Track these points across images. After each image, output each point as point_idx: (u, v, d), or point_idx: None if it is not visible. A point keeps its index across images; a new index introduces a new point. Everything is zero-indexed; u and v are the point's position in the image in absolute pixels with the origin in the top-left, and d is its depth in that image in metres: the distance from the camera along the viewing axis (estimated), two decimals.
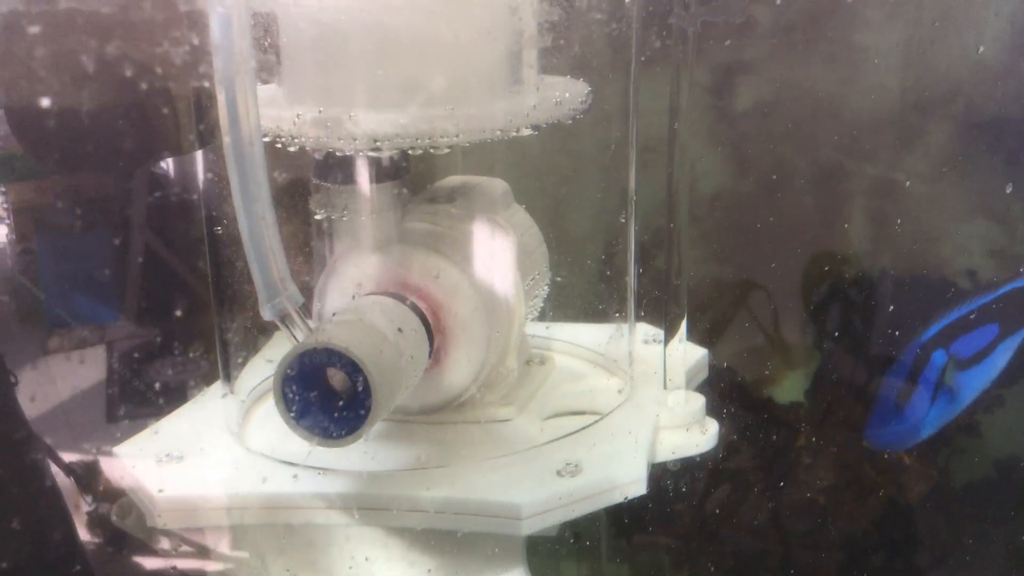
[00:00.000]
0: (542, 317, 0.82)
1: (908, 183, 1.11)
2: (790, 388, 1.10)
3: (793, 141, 1.10)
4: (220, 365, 0.74)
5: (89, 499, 1.58)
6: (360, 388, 0.60)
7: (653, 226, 0.81)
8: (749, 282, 1.13)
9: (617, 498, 0.65)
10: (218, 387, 0.75)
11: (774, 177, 1.11)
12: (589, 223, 0.86)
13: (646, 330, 0.84)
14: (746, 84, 1.09)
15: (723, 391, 1.05)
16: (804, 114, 1.10)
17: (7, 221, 1.31)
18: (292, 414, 0.60)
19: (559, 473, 0.64)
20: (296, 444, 0.63)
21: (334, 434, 0.61)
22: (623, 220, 0.78)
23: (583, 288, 0.85)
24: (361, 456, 0.67)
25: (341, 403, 0.61)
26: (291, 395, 0.60)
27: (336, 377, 0.61)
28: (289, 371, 0.60)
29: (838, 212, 1.14)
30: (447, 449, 0.69)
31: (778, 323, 1.14)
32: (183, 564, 0.86)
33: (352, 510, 0.63)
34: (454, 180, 0.77)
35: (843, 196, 1.13)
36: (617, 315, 0.81)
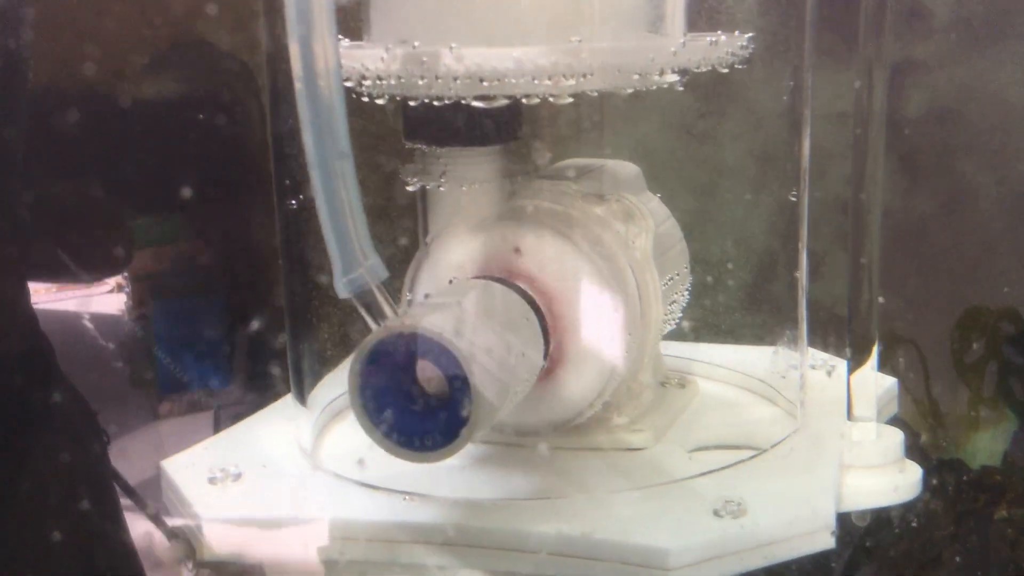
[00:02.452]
0: (681, 335, 0.67)
1: None
2: (983, 449, 0.91)
3: (976, 155, 0.93)
4: (291, 374, 0.62)
5: (190, 565, 1.52)
6: (457, 388, 0.46)
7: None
8: (923, 319, 0.95)
9: (796, 551, 0.48)
10: (287, 400, 0.63)
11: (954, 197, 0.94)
12: (741, 228, 0.71)
13: (813, 355, 0.68)
14: (917, 87, 0.93)
15: None
16: (990, 124, 0.93)
17: (126, 289, 1.34)
18: (370, 418, 0.47)
19: (716, 513, 0.49)
20: (377, 466, 0.50)
21: (422, 444, 0.47)
22: (792, 214, 0.63)
23: (732, 302, 0.70)
24: (457, 481, 0.53)
25: (432, 406, 0.47)
26: (369, 391, 0.47)
27: (427, 373, 0.47)
28: (368, 361, 0.47)
29: None
30: (566, 478, 0.54)
31: (960, 370, 0.95)
32: None
33: (444, 546, 0.49)
34: (576, 161, 0.64)
35: None
36: (780, 334, 0.65)
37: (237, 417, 1.04)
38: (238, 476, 0.54)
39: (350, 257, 0.48)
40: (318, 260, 0.52)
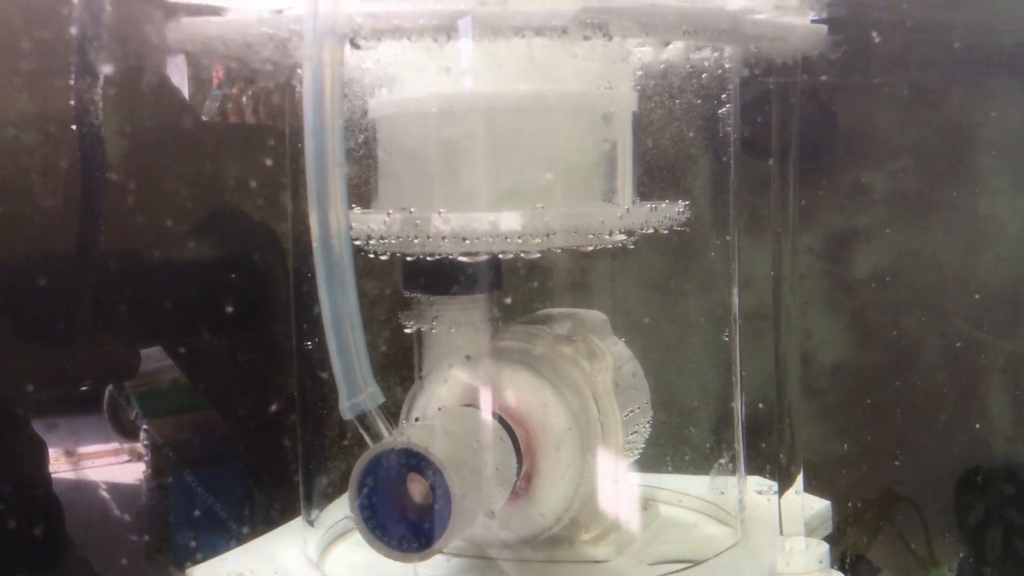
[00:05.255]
0: (643, 467, 0.76)
1: None
2: None
3: (918, 312, 1.04)
4: (302, 496, 0.70)
5: None
6: (439, 496, 0.55)
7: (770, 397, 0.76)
8: (879, 466, 1.03)
9: None
10: (298, 523, 0.71)
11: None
12: (692, 368, 0.81)
13: (759, 481, 0.77)
14: (863, 252, 1.05)
15: None
16: (927, 283, 1.04)
17: (146, 458, 1.35)
18: (365, 521, 0.55)
19: None
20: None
21: (409, 547, 0.55)
22: (728, 357, 0.73)
23: (686, 437, 0.79)
24: None
25: (418, 512, 0.56)
26: (364, 499, 0.55)
27: (415, 484, 0.56)
28: (364, 473, 0.56)
29: (975, 389, 1.05)
30: None
31: (922, 519, 1.03)
32: None
33: None
34: (551, 311, 0.74)
35: (980, 371, 1.04)
36: (724, 464, 0.74)
37: None
38: None
39: (354, 384, 0.58)
40: (330, 403, 0.61)
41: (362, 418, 0.59)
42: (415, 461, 0.55)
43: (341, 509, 0.72)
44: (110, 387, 1.15)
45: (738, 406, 0.71)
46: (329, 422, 0.70)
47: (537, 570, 0.64)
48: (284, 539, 0.70)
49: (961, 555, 1.02)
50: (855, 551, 0.97)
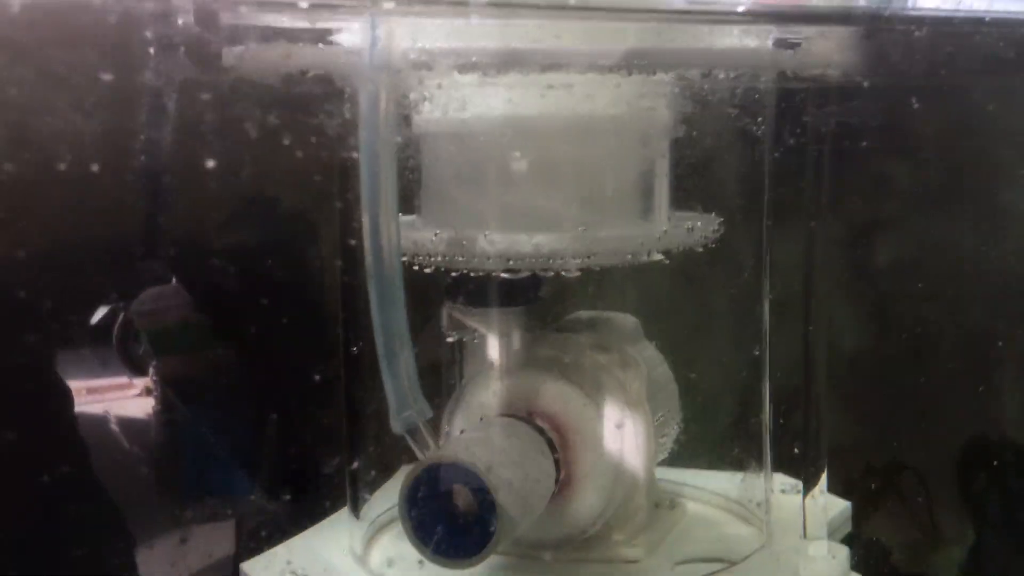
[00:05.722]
0: (672, 462, 0.79)
1: None
2: (944, 566, 1.01)
3: (937, 302, 1.06)
4: (348, 490, 0.74)
5: None
6: (485, 507, 0.58)
7: (792, 385, 0.79)
8: (896, 452, 1.07)
9: None
10: (343, 513, 0.74)
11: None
12: (721, 368, 0.84)
13: (783, 480, 0.80)
14: (885, 242, 1.07)
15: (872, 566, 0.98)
16: (947, 273, 1.06)
17: (155, 393, 1.37)
18: (414, 530, 0.59)
19: None
20: (419, 572, 0.61)
21: (456, 554, 0.59)
22: (757, 364, 0.76)
23: (714, 434, 0.82)
24: None
25: (465, 522, 0.59)
26: (414, 510, 0.59)
27: (462, 496, 0.60)
28: (414, 485, 0.59)
29: (989, 379, 1.07)
30: None
31: (930, 499, 1.06)
32: None
33: None
34: (584, 314, 0.77)
35: (993, 363, 1.07)
36: (751, 463, 0.77)
37: (259, 526, 1.09)
38: None
39: (403, 400, 0.61)
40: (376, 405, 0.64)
41: (410, 431, 0.62)
42: (463, 475, 0.59)
43: (385, 501, 0.76)
44: (119, 322, 1.16)
45: (766, 403, 0.73)
46: (375, 417, 0.73)
47: (570, 570, 0.68)
48: (332, 532, 0.74)
49: (970, 537, 1.05)
50: (866, 536, 1.00)
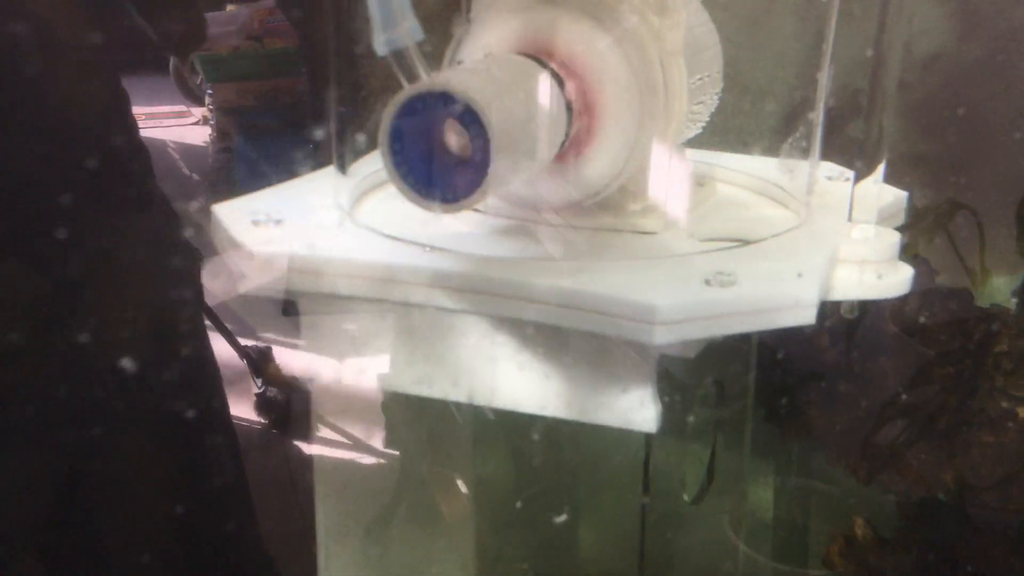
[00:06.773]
0: (705, 144, 0.70)
1: None
2: (995, 290, 0.93)
3: None
4: (334, 146, 0.66)
5: (259, 382, 1.62)
6: (477, 145, 0.50)
7: (852, 87, 0.67)
8: (959, 166, 0.96)
9: (778, 321, 0.52)
10: (329, 169, 0.67)
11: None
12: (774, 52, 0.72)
13: (831, 167, 0.71)
14: None
15: None
16: None
17: (211, 121, 1.36)
18: (396, 167, 0.51)
19: (707, 282, 0.52)
20: (406, 225, 0.54)
21: (442, 195, 0.51)
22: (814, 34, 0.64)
23: (757, 113, 0.72)
24: (477, 241, 0.58)
25: (454, 160, 0.51)
26: (397, 144, 0.51)
27: (453, 130, 0.51)
28: (397, 115, 0.51)
29: None
30: (577, 248, 0.59)
31: (987, 220, 0.97)
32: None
33: (458, 292, 0.54)
34: None
35: None
36: (796, 143, 0.67)
37: None
38: (279, 221, 0.59)
39: (389, 16, 0.52)
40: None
41: (398, 56, 0.53)
42: (453, 105, 0.50)
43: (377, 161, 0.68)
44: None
45: (824, 78, 0.63)
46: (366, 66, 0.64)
47: (582, 237, 0.61)
48: (313, 184, 0.67)
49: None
50: (913, 251, 0.92)
